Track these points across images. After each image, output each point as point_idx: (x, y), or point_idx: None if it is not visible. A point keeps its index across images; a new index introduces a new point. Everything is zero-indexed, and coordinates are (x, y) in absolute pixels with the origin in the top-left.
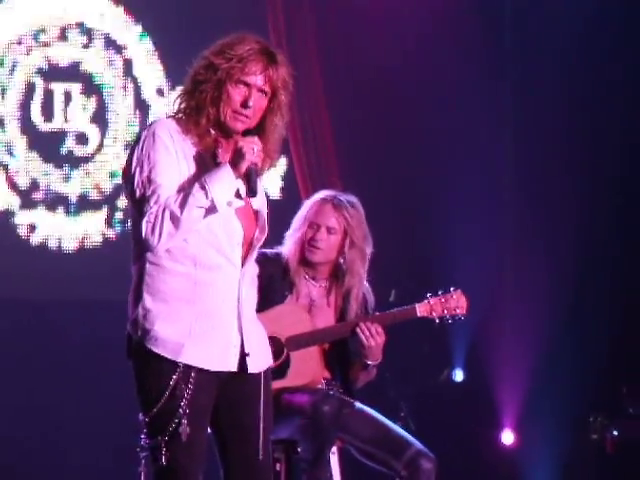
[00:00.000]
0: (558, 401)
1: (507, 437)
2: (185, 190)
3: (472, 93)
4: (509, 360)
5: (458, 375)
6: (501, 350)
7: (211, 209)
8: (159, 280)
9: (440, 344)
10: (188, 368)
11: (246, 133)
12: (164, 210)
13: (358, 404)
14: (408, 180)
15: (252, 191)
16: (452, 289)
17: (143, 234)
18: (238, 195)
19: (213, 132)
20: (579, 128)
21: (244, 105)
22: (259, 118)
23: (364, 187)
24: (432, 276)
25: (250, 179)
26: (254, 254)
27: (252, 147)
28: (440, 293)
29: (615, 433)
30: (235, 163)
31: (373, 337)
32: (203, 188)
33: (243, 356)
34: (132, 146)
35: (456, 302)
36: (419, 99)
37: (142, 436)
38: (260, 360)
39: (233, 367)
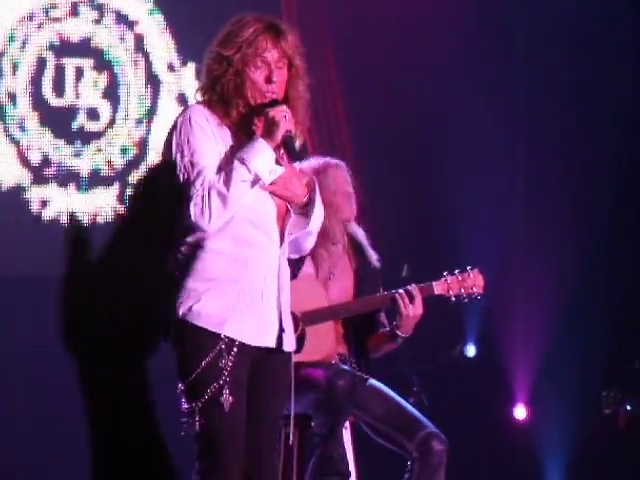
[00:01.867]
0: (571, 376)
1: (520, 412)
2: (226, 168)
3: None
4: (521, 335)
5: (470, 350)
6: (513, 325)
7: (255, 181)
8: (201, 259)
9: (452, 319)
10: (230, 341)
11: (274, 103)
12: (210, 190)
13: (372, 380)
14: (423, 163)
15: (293, 156)
16: (469, 268)
17: (193, 217)
18: (277, 163)
19: (245, 113)
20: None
21: (268, 81)
22: (284, 90)
23: (378, 169)
24: (445, 251)
25: (288, 146)
26: (289, 231)
27: (284, 115)
28: (457, 272)
29: (628, 408)
30: (270, 133)
31: (414, 306)
32: (243, 163)
33: (280, 332)
34: (169, 132)
35: (473, 281)
36: (436, 89)
37: (183, 401)
38: (292, 339)
39: (272, 343)
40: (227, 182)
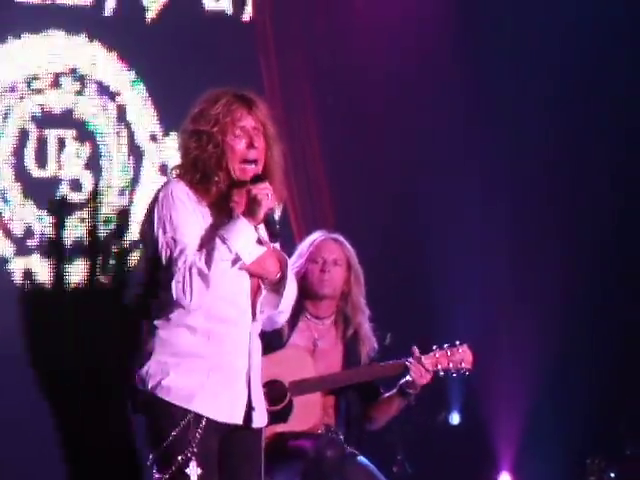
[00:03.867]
0: (555, 444)
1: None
2: (207, 246)
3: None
4: (506, 403)
5: (455, 418)
6: (497, 392)
7: (236, 260)
8: (172, 334)
9: (436, 387)
10: (198, 416)
11: (255, 180)
12: (191, 269)
13: (361, 457)
14: (403, 217)
15: (274, 235)
16: (458, 343)
17: (174, 295)
18: (259, 242)
19: (224, 190)
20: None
21: (250, 147)
22: (264, 159)
23: (358, 220)
24: (429, 321)
25: (271, 224)
26: (261, 306)
27: (266, 193)
28: (446, 346)
29: (612, 475)
30: (252, 212)
31: (423, 376)
32: (224, 242)
33: (249, 409)
34: (149, 207)
35: (462, 356)
36: (414, 133)
37: (154, 472)
38: (263, 415)
39: (239, 420)
40: (208, 261)
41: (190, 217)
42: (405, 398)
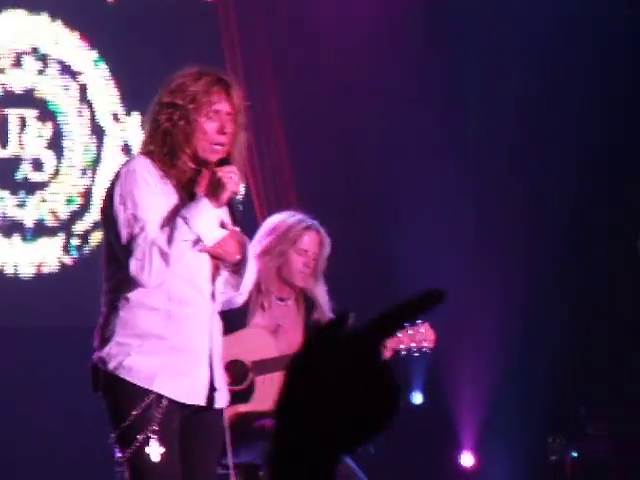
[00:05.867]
0: (517, 422)
1: (466, 459)
2: (169, 225)
3: (431, 103)
4: (467, 382)
5: (417, 398)
6: (459, 372)
7: (197, 241)
8: (133, 314)
9: (398, 366)
10: (159, 396)
11: (221, 163)
12: (151, 246)
13: None
14: (364, 195)
15: (237, 219)
16: (419, 322)
17: (133, 271)
18: (221, 224)
19: (190, 167)
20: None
21: (221, 132)
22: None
23: (320, 204)
24: (391, 298)
25: (234, 208)
26: (221, 287)
27: (231, 176)
28: (408, 325)
29: (574, 454)
30: (216, 194)
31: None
32: (186, 223)
33: (211, 391)
34: (111, 183)
35: (424, 335)
36: (377, 114)
37: (115, 451)
38: (224, 395)
39: (202, 401)
40: (169, 240)
41: (152, 194)
42: None
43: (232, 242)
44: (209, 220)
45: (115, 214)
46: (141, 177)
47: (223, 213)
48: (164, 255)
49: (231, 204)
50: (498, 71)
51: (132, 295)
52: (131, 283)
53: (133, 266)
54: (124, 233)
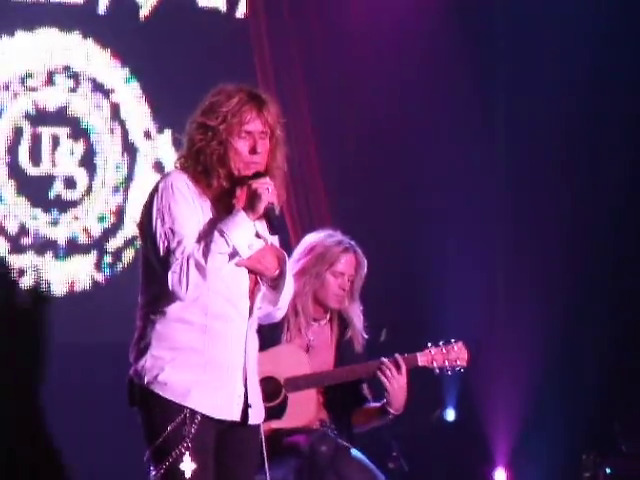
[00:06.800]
0: (551, 439)
1: (500, 475)
2: (206, 239)
3: (464, 132)
4: (501, 398)
5: (450, 414)
6: (493, 388)
7: (234, 254)
8: (169, 328)
9: (432, 383)
10: (193, 412)
11: (256, 176)
12: (188, 260)
13: (354, 450)
14: (397, 214)
15: (274, 229)
16: (453, 340)
17: (170, 285)
18: (257, 236)
19: (226, 183)
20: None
21: (253, 152)
22: (267, 160)
23: (353, 223)
24: (425, 318)
25: (271, 218)
26: (259, 302)
27: (266, 187)
28: (441, 343)
29: (608, 471)
30: (252, 206)
31: (395, 378)
32: (222, 235)
33: (245, 407)
34: (149, 197)
35: (457, 354)
36: (413, 132)
37: (150, 468)
38: (259, 412)
39: (236, 417)
40: (206, 253)
41: (189, 209)
42: (384, 417)
43: (271, 257)
44: (245, 232)
45: (153, 228)
46: (178, 191)
47: (260, 225)
48: (201, 268)
49: (268, 215)
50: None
51: (168, 309)
52: (167, 296)
53: (170, 280)
54: (162, 247)
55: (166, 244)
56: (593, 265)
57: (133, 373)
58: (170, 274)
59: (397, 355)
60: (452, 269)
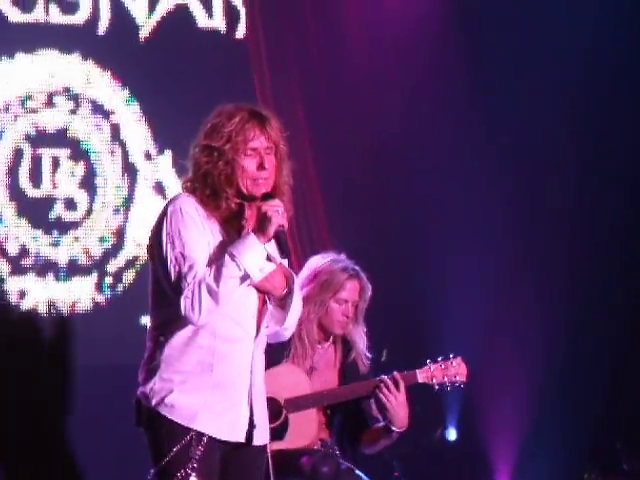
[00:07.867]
0: (552, 458)
1: None
2: (217, 262)
3: (465, 147)
4: (502, 419)
5: (451, 434)
6: (494, 409)
7: (245, 277)
8: (178, 351)
9: (433, 403)
10: (200, 434)
11: (265, 197)
12: (200, 285)
13: (357, 472)
14: (397, 233)
15: (285, 252)
16: (452, 356)
17: (183, 311)
18: (268, 259)
19: (235, 204)
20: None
21: (260, 168)
22: (275, 176)
23: (353, 241)
24: (424, 339)
25: (281, 241)
26: (266, 321)
27: (277, 210)
28: (440, 359)
29: None
30: (263, 229)
31: (394, 395)
32: (233, 259)
33: (250, 427)
34: (157, 222)
35: (456, 369)
36: (409, 150)
37: None
38: (264, 432)
39: (241, 438)
40: (217, 278)
41: (199, 232)
42: (389, 435)
43: (279, 276)
44: (256, 255)
45: (163, 253)
46: (187, 215)
47: (270, 247)
48: (213, 293)
49: (278, 238)
50: None
51: (178, 332)
52: (177, 320)
53: (183, 305)
54: (173, 272)
55: (177, 269)
56: (596, 282)
57: (141, 394)
58: (182, 299)
59: (395, 373)
60: (452, 285)
